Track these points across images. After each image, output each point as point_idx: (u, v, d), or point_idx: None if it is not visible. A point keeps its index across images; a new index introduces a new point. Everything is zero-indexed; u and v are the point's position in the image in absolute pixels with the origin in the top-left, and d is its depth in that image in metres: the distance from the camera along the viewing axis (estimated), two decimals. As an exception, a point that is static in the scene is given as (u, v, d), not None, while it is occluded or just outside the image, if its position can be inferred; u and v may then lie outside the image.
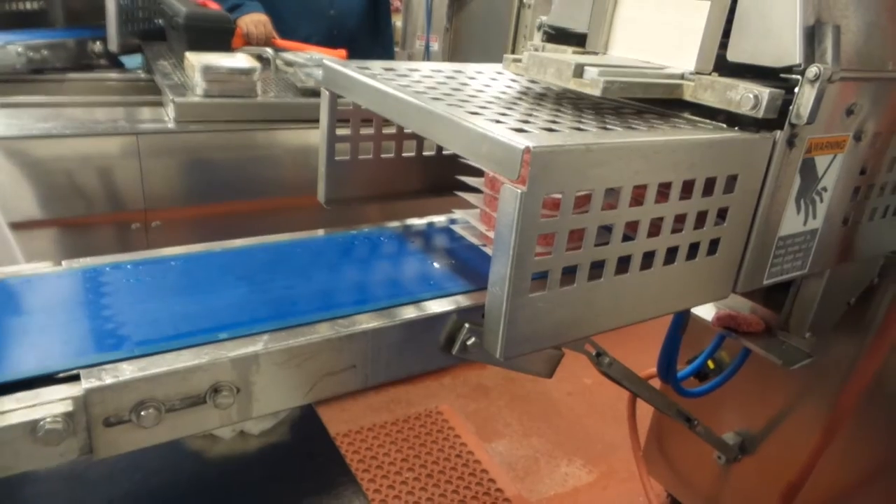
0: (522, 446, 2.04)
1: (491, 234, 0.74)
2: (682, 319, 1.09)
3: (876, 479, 1.15)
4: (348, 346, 0.61)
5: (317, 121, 0.88)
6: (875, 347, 1.08)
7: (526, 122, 0.63)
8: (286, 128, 1.72)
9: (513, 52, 2.35)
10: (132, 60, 2.22)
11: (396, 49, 3.39)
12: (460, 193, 0.83)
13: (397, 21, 3.72)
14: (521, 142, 0.53)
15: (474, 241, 0.81)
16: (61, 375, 0.51)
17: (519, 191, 0.53)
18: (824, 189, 0.77)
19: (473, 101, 0.71)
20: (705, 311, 1.12)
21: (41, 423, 0.47)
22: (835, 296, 0.97)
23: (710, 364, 1.27)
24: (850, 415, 1.13)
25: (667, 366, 1.15)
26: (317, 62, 1.88)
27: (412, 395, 2.19)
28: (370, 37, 2.56)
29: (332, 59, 0.85)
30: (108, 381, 0.50)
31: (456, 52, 2.72)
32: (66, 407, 0.48)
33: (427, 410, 2.13)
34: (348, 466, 1.00)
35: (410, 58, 3.86)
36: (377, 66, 0.83)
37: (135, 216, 1.59)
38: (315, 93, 1.77)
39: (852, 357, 1.12)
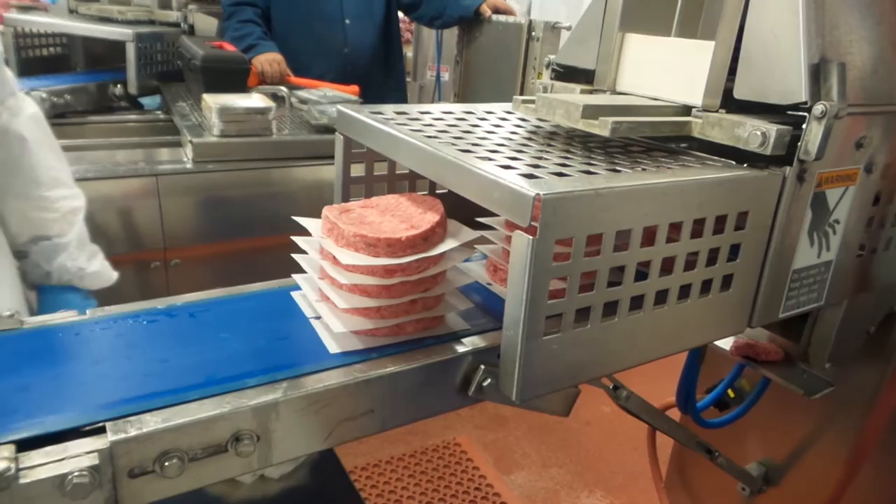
0: (542, 478, 2.02)
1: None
2: (700, 350, 1.09)
3: (906, 511, 1.12)
4: (366, 391, 0.62)
5: (331, 157, 0.90)
6: (897, 375, 1.07)
7: (536, 165, 0.64)
8: (301, 165, 1.75)
9: (522, 81, 2.38)
10: (151, 102, 2.28)
11: (408, 80, 3.45)
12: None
13: (408, 52, 3.80)
14: (531, 189, 0.54)
15: (308, 312, 0.72)
16: (87, 428, 0.52)
17: (530, 237, 0.54)
18: (837, 221, 0.77)
19: (485, 143, 0.73)
20: (723, 340, 1.11)
21: (69, 477, 0.48)
22: (854, 325, 0.96)
23: (731, 393, 1.25)
24: (875, 445, 1.11)
25: (685, 397, 1.14)
26: (330, 99, 1.93)
27: (429, 427, 2.19)
28: (382, 71, 2.61)
29: (345, 104, 0.87)
30: (133, 432, 0.51)
31: (466, 82, 2.76)
32: (93, 460, 0.49)
33: (445, 442, 2.12)
34: (367, 507, 0.99)
35: (422, 88, 3.92)
36: (389, 109, 0.85)
37: (154, 255, 1.63)
38: (329, 129, 1.81)
39: (875, 385, 1.10)
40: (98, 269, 1.18)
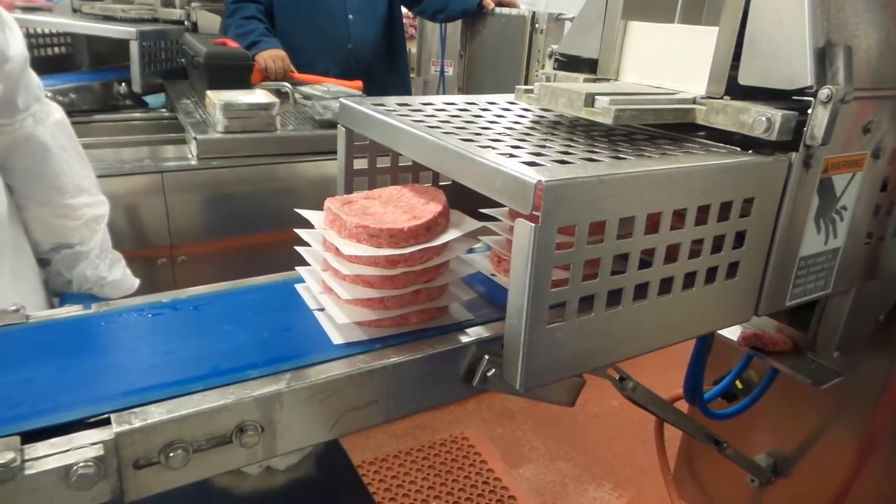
0: (550, 471, 2.02)
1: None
2: (707, 341, 1.08)
3: (916, 501, 1.11)
4: (370, 382, 0.61)
5: (335, 152, 0.90)
6: (907, 364, 1.06)
7: (539, 154, 0.64)
8: (306, 160, 1.75)
9: (526, 74, 2.37)
10: (156, 100, 2.29)
11: (412, 76, 3.45)
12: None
13: (412, 48, 3.79)
14: (533, 176, 0.54)
15: (311, 304, 0.72)
16: (92, 420, 0.52)
17: (532, 224, 0.53)
18: (844, 208, 0.76)
19: (487, 133, 0.72)
20: (731, 331, 1.10)
21: (74, 467, 0.48)
22: (862, 313, 0.95)
23: (739, 384, 1.25)
24: (885, 434, 1.10)
25: (693, 388, 1.14)
26: (334, 94, 1.93)
27: (437, 421, 2.19)
28: (386, 66, 2.61)
29: (347, 97, 0.87)
30: (137, 423, 0.51)
31: (470, 76, 2.75)
32: (98, 451, 0.49)
33: (452, 436, 2.12)
34: (373, 499, 1.00)
35: (426, 83, 3.91)
36: (391, 101, 0.85)
37: (161, 252, 1.63)
38: (332, 124, 1.80)
39: (884, 374, 1.09)
40: (118, 277, 1.17)
